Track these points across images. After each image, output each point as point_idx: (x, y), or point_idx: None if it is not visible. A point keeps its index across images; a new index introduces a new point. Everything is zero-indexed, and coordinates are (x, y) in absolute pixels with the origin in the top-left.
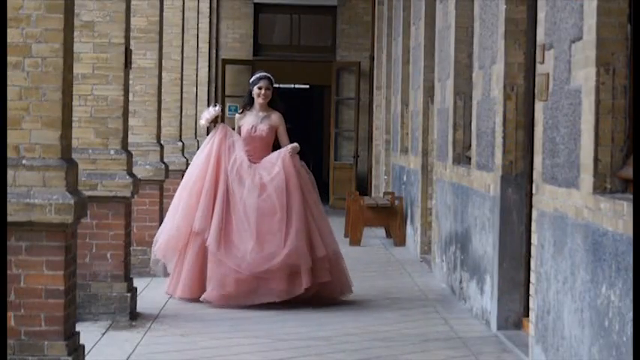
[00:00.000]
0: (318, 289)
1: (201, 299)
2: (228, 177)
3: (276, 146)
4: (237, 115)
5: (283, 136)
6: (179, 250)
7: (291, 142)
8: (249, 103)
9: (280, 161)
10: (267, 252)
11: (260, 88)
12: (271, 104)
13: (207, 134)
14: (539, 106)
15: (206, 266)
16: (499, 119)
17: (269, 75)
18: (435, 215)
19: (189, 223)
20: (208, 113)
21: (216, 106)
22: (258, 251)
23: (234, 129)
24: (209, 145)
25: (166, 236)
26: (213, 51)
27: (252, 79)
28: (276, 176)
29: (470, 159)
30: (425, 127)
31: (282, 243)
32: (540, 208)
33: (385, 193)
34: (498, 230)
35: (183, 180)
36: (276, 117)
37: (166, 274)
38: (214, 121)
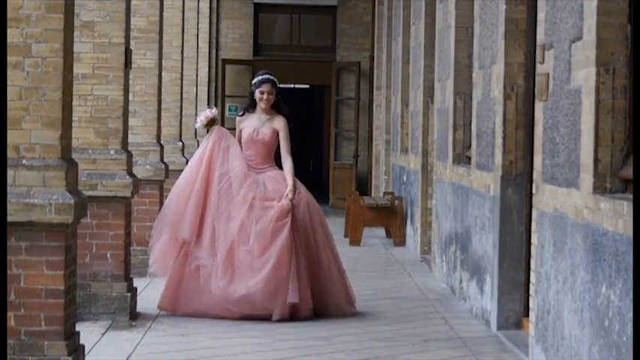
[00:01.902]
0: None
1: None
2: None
3: (278, 151)
4: (237, 118)
5: (284, 141)
6: (172, 261)
7: (291, 142)
8: (251, 105)
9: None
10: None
11: (262, 93)
12: (275, 107)
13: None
14: (539, 106)
15: (189, 276)
16: (499, 119)
17: (272, 77)
18: (435, 215)
19: (176, 231)
20: (204, 116)
21: (212, 108)
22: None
23: (234, 129)
24: (202, 149)
25: (161, 251)
26: (213, 51)
27: (254, 81)
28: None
29: (470, 159)
30: (425, 127)
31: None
32: (540, 208)
33: (385, 193)
34: (498, 230)
35: (175, 185)
36: (280, 121)
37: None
38: (210, 124)
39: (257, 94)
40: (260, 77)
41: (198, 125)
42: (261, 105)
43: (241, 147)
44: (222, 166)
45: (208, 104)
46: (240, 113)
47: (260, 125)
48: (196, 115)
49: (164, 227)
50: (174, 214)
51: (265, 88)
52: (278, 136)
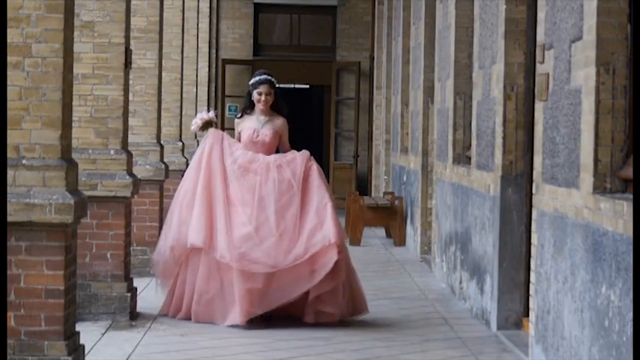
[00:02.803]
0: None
1: (227, 324)
2: (229, 175)
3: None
4: (236, 120)
5: (285, 144)
6: (176, 271)
7: (291, 143)
8: (248, 107)
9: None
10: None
11: (260, 94)
12: (274, 107)
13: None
14: (539, 106)
15: (208, 283)
16: (499, 119)
17: (270, 77)
18: (435, 215)
19: (183, 241)
20: (199, 118)
21: (210, 110)
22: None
23: (233, 129)
24: (199, 153)
25: (162, 260)
26: (213, 51)
27: (251, 81)
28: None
29: (470, 159)
30: (425, 127)
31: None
32: (540, 208)
33: (385, 193)
34: (498, 230)
35: (176, 194)
36: (280, 122)
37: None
38: (207, 127)
39: (255, 95)
40: (257, 78)
41: (193, 128)
42: (259, 106)
43: None
44: (231, 156)
45: (208, 104)
46: (238, 115)
47: (260, 126)
48: (195, 116)
49: (170, 240)
50: (181, 224)
51: (263, 89)
52: (278, 137)
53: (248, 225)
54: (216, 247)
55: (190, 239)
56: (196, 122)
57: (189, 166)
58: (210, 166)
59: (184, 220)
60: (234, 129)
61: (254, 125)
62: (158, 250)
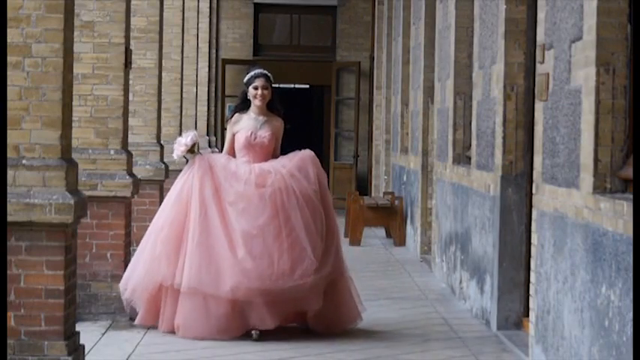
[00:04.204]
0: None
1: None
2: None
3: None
4: (229, 121)
5: (277, 145)
6: (147, 300)
7: (290, 143)
8: (242, 106)
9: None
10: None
11: (256, 88)
12: (270, 106)
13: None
14: (539, 106)
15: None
16: (499, 119)
17: (265, 71)
18: (435, 215)
19: (152, 276)
20: (183, 145)
21: (190, 133)
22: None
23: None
24: (181, 184)
25: (132, 285)
26: (213, 51)
27: (246, 78)
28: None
29: (470, 159)
30: (425, 127)
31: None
32: (540, 208)
33: (385, 193)
34: (498, 230)
35: (151, 225)
36: (278, 124)
37: (134, 315)
38: (191, 151)
39: (250, 91)
40: (252, 72)
41: (177, 155)
42: (255, 102)
43: (234, 152)
44: (233, 185)
45: (208, 104)
46: (230, 116)
47: (257, 127)
48: (196, 115)
49: (151, 278)
50: (163, 262)
51: (259, 82)
52: (275, 139)
53: (249, 260)
54: (223, 284)
55: (188, 282)
56: (181, 150)
57: (169, 196)
58: (205, 202)
59: (158, 255)
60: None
61: (251, 126)
62: (123, 285)
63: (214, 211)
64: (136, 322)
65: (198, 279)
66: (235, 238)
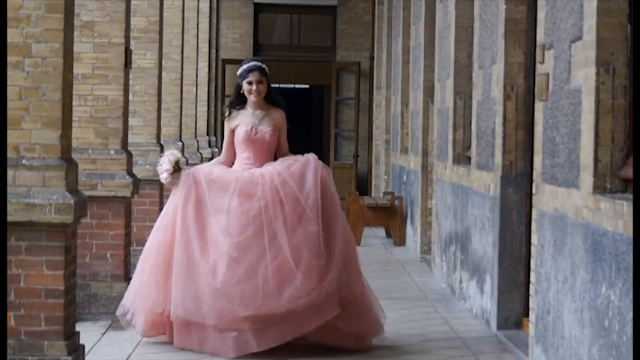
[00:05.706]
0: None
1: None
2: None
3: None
4: (226, 118)
5: (283, 141)
6: (145, 322)
7: (290, 143)
8: (237, 102)
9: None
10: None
11: (250, 83)
12: (268, 99)
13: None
14: (539, 106)
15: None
16: (499, 119)
17: (260, 64)
18: (435, 215)
19: (142, 302)
20: (168, 164)
21: (167, 155)
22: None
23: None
24: (168, 203)
25: (128, 308)
26: (213, 51)
27: (239, 71)
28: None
29: (470, 159)
30: (425, 127)
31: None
32: (540, 208)
33: (385, 193)
34: (498, 230)
35: (148, 243)
36: (279, 115)
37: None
38: (176, 170)
39: (245, 87)
40: (245, 66)
41: (164, 177)
42: (251, 98)
43: (234, 149)
44: (215, 202)
45: (208, 104)
46: (227, 114)
47: (257, 122)
48: (196, 115)
49: (141, 303)
50: (152, 288)
51: (253, 77)
52: (277, 133)
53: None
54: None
55: (178, 312)
56: (167, 170)
57: (160, 218)
58: (186, 223)
59: (146, 281)
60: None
61: (250, 121)
62: (125, 305)
63: (195, 235)
64: (139, 334)
65: (183, 307)
66: (217, 262)
